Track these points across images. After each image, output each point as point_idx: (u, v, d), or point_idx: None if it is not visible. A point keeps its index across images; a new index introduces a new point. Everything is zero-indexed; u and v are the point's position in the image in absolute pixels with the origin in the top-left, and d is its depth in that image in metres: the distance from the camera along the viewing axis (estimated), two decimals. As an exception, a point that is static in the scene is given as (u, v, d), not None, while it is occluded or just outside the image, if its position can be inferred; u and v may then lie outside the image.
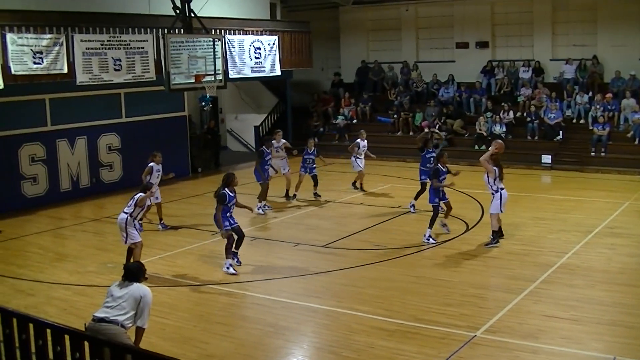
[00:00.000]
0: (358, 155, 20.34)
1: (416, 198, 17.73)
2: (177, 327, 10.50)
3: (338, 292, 11.99)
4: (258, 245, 15.28)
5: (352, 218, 17.53)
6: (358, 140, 20.65)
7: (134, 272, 8.03)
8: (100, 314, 7.66)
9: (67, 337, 6.64)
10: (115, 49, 20.44)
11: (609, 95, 24.47)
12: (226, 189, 13.05)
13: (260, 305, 11.55)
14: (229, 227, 13.11)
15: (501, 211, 14.22)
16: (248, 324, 10.69)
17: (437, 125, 26.60)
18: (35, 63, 18.43)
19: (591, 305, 10.85)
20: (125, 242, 13.14)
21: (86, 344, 6.50)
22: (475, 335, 9.76)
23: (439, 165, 15.27)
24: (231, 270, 13.11)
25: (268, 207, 18.46)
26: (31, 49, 18.32)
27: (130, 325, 7.76)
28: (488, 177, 14.14)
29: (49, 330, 6.81)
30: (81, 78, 19.57)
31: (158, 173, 16.51)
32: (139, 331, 7.94)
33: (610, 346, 9.36)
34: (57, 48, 18.91)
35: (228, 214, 13.13)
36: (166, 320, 10.69)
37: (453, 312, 10.73)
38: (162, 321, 10.57)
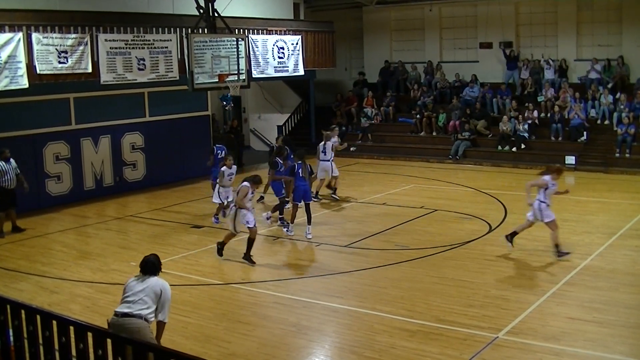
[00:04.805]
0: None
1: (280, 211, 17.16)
2: (199, 325, 10.54)
3: (360, 292, 11.98)
4: (281, 245, 15.30)
5: (374, 218, 17.49)
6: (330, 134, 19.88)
7: (154, 265, 8.05)
8: (123, 309, 7.70)
9: (90, 334, 6.68)
10: (139, 48, 20.57)
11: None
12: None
13: (282, 305, 11.55)
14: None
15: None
16: (270, 323, 10.70)
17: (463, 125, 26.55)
18: (60, 62, 18.58)
19: (615, 308, 10.74)
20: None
21: (109, 341, 6.53)
22: (497, 337, 9.70)
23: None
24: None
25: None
26: (56, 49, 18.48)
27: (153, 319, 7.80)
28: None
29: (72, 328, 6.85)
30: (105, 77, 19.71)
31: (230, 176, 16.82)
32: (161, 325, 7.97)
33: (635, 349, 9.27)
34: (81, 47, 19.05)
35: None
36: (188, 318, 10.73)
37: (475, 313, 10.68)
38: (184, 320, 10.61)
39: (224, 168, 16.66)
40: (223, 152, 18.44)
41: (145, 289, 7.79)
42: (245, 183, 13.49)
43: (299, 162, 15.98)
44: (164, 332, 8.04)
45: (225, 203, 16.60)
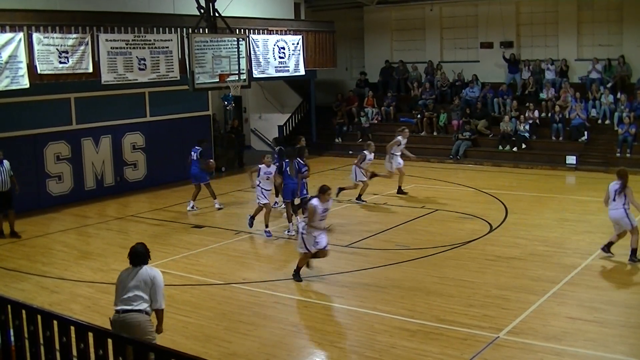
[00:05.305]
0: (395, 153, 19.85)
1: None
2: (200, 325, 10.54)
3: (361, 292, 11.96)
4: (281, 245, 15.30)
5: (375, 218, 17.50)
6: (399, 137, 20.04)
7: (143, 254, 8.08)
8: (122, 306, 7.73)
9: (90, 334, 6.68)
10: (140, 48, 20.57)
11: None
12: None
13: (283, 305, 11.55)
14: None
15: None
16: (271, 323, 10.69)
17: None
18: (60, 62, 18.58)
19: (616, 308, 10.75)
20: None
21: (110, 341, 6.52)
22: (498, 337, 9.70)
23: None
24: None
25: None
26: (57, 49, 18.48)
27: (151, 310, 7.87)
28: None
29: (72, 328, 6.84)
30: (106, 77, 19.72)
31: (268, 175, 16.13)
32: (159, 313, 8.02)
33: (636, 349, 9.27)
34: (82, 47, 19.05)
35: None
36: (189, 318, 10.73)
37: (476, 313, 10.68)
38: (185, 319, 10.62)
39: (261, 166, 16.19)
40: (196, 154, 18.44)
41: (137, 283, 7.82)
42: (313, 201, 12.40)
43: (287, 160, 16.16)
44: (164, 334, 8.05)
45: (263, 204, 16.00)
